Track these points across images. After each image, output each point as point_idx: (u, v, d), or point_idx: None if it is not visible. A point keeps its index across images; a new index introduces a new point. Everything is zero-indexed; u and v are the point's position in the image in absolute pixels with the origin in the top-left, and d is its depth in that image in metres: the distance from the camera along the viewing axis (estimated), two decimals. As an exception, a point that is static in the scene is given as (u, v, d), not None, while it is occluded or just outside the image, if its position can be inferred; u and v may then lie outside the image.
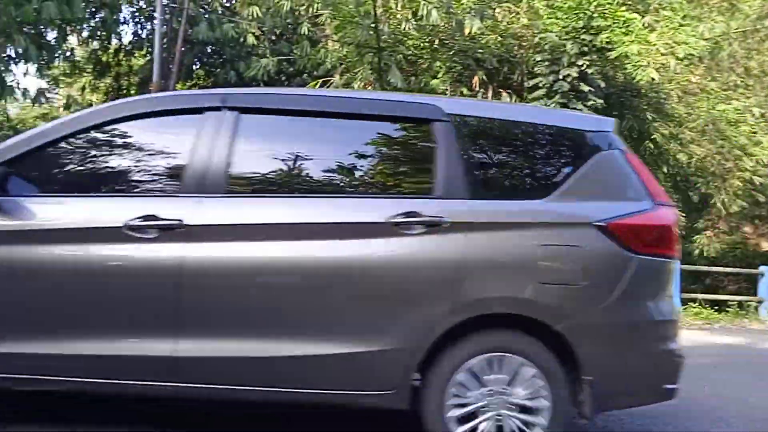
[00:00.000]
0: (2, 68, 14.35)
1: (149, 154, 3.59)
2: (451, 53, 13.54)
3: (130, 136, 3.62)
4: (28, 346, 3.22)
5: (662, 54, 12.26)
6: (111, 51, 19.13)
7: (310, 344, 3.18)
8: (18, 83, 14.82)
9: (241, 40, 16.05)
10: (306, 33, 14.91)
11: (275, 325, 3.24)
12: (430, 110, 3.48)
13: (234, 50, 17.01)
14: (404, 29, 13.53)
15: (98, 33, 17.64)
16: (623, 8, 12.69)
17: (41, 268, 3.25)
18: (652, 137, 14.12)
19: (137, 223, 3.23)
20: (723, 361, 7.10)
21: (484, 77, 13.28)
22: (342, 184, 3.59)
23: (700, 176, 14.73)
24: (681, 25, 12.62)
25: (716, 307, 11.70)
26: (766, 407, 5.12)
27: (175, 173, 3.48)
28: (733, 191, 14.26)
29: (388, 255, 3.20)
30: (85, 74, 20.22)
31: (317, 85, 13.89)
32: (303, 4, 14.31)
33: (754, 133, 14.23)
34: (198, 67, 19.22)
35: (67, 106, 17.91)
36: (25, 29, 14.13)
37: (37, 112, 28.86)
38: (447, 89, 13.59)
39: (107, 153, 3.65)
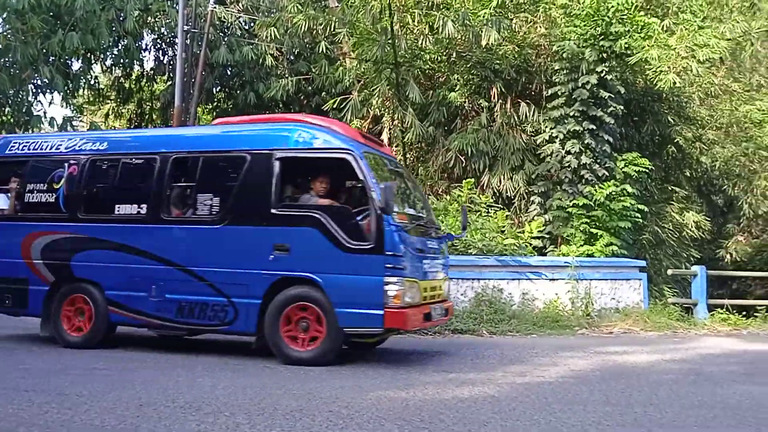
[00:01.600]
0: (31, 99, 14.71)
1: None
2: (468, 65, 13.58)
3: None
4: None
5: (683, 57, 12.17)
6: (133, 78, 19.50)
7: None
8: (45, 112, 15.18)
9: (260, 61, 16.27)
10: (324, 51, 15.08)
11: None
12: None
13: (253, 72, 17.23)
14: (421, 44, 13.60)
15: (121, 60, 18.00)
16: (641, 13, 12.63)
17: None
18: (675, 141, 13.97)
19: None
20: (754, 369, 6.96)
21: (503, 88, 13.29)
22: None
23: (726, 178, 14.50)
24: (701, 28, 12.52)
25: (744, 313, 11.46)
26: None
27: None
28: (760, 192, 14.03)
29: None
30: (109, 101, 20.61)
31: (335, 103, 14.02)
32: (320, 24, 14.48)
33: (780, 133, 13.99)
34: (218, 89, 19.47)
35: (92, 133, 18.21)
36: (50, 60, 14.50)
37: (64, 140, 29.52)
38: (465, 102, 13.63)
39: None
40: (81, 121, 23.21)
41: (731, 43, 13.23)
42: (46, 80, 14.69)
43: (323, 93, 16.07)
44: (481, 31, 12.51)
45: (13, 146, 7.92)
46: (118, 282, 6.93)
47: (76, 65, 16.56)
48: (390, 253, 6.07)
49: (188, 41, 15.75)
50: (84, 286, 7.11)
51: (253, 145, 6.81)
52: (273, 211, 6.45)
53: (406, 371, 6.14)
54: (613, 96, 12.08)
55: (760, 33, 14.30)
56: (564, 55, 12.18)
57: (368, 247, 6.12)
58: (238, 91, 18.15)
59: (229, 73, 18.76)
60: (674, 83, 12.23)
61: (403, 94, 13.29)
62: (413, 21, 13.60)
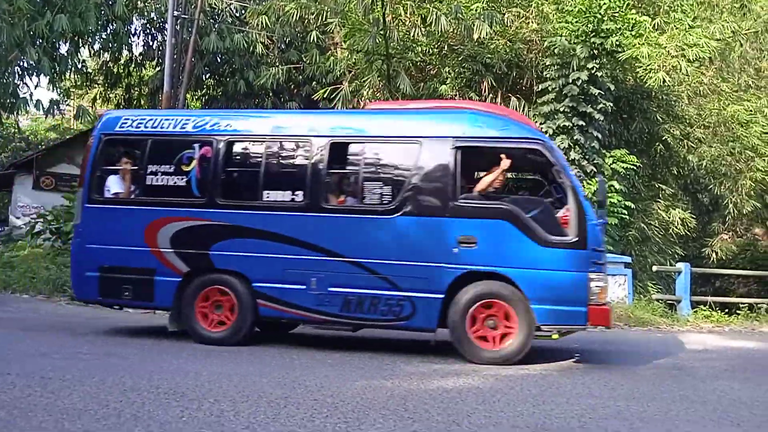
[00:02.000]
0: (17, 81, 14.52)
1: None
2: (459, 59, 13.56)
3: None
4: None
5: (672, 56, 12.24)
6: (122, 62, 19.31)
7: None
8: (31, 95, 15.02)
9: (251, 49, 16.17)
10: (315, 41, 15.01)
11: None
12: None
13: (243, 59, 17.13)
14: (413, 36, 13.57)
15: (110, 45, 17.80)
16: (633, 11, 12.68)
17: None
18: (663, 139, 14.07)
19: None
20: (735, 366, 7.05)
21: (493, 82, 13.30)
22: None
23: (712, 177, 14.64)
24: (691, 27, 12.59)
25: (726, 310, 11.62)
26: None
27: None
28: (745, 192, 14.17)
29: None
30: (97, 85, 20.42)
31: (326, 93, 13.97)
32: (312, 12, 14.41)
33: (766, 133, 14.14)
34: (208, 76, 19.34)
35: (77, 117, 18.10)
36: (38, 42, 14.31)
37: (48, 124, 29.19)
38: (456, 95, 13.62)
39: None
40: (68, 104, 23.03)
41: (721, 44, 13.32)
42: (32, 62, 14.50)
43: (314, 82, 16.01)
44: (473, 25, 12.51)
45: (125, 123, 7.15)
46: (270, 273, 6.44)
47: (64, 48, 16.37)
48: (594, 248, 5.94)
49: (178, 27, 15.61)
50: (226, 277, 6.58)
51: (428, 131, 6.41)
52: (456, 201, 6.13)
53: (391, 361, 6.16)
54: (602, 93, 12.14)
55: (749, 34, 14.42)
56: (555, 51, 12.21)
57: (570, 241, 5.92)
58: (228, 79, 18.06)
59: (219, 60, 18.64)
60: (663, 81, 12.32)
61: (394, 86, 13.26)
62: (405, 13, 13.57)
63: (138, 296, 6.75)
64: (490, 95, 13.39)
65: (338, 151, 6.60)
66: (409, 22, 13.76)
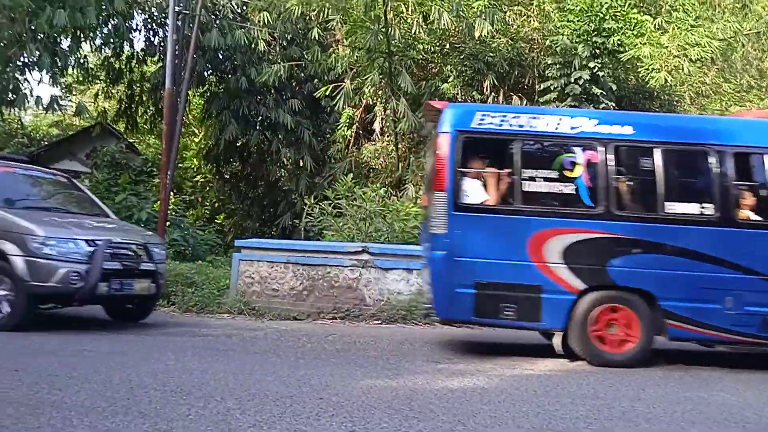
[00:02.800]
0: (17, 76, 14.49)
1: None
2: (461, 57, 13.57)
3: None
4: None
5: (674, 56, 12.26)
6: (123, 58, 19.26)
7: None
8: (31, 91, 14.97)
9: (252, 46, 16.15)
10: (316, 38, 15.02)
11: None
12: None
13: (245, 56, 17.10)
14: (414, 33, 13.57)
15: (111, 40, 17.73)
16: (635, 10, 12.70)
17: None
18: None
19: None
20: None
21: (495, 81, 13.30)
22: None
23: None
24: (693, 27, 12.61)
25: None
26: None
27: None
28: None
29: None
30: (98, 81, 20.36)
31: (328, 90, 13.96)
32: (313, 9, 14.40)
33: (768, 134, 14.13)
34: (210, 73, 19.31)
35: (77, 113, 18.04)
36: (39, 38, 14.27)
37: (50, 119, 29.11)
38: (458, 93, 13.63)
39: None
40: (69, 100, 22.97)
41: (723, 44, 13.35)
42: (33, 59, 14.46)
43: (315, 80, 16.01)
44: (475, 23, 12.52)
45: (483, 119, 6.47)
46: (681, 292, 6.17)
47: (65, 43, 16.29)
48: None
49: (179, 23, 15.57)
50: (628, 295, 6.25)
51: None
52: None
53: (396, 360, 6.16)
54: (604, 93, 12.16)
55: (751, 34, 14.43)
56: (557, 50, 12.24)
57: None
58: (230, 75, 18.02)
59: (220, 56, 18.59)
60: (665, 81, 12.34)
61: (396, 84, 13.27)
62: (407, 10, 13.57)
63: (523, 316, 6.27)
64: (492, 94, 13.41)
65: (746, 162, 6.42)
66: (411, 19, 13.76)
